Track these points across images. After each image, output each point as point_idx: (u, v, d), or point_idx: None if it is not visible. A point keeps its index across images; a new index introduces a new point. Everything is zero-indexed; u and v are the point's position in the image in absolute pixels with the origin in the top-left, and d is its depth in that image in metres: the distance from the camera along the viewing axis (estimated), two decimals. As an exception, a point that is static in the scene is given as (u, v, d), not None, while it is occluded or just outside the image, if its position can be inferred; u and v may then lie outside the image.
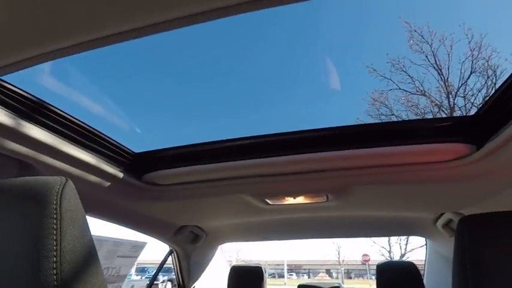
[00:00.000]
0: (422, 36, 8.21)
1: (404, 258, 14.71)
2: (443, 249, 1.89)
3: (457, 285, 0.64)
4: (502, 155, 0.79)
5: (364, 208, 1.34)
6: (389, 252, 17.24)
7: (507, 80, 0.71)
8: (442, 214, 1.44)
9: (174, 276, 2.09)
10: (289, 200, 1.19)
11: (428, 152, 0.84)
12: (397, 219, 1.63)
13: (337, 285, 1.73)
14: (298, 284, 2.33)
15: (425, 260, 2.21)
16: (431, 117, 7.73)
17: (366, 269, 22.23)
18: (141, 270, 14.09)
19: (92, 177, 0.93)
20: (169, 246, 1.91)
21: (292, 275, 24.30)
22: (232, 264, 2.02)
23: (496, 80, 7.39)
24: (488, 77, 7.56)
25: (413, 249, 16.26)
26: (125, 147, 1.02)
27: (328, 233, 2.05)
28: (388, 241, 17.35)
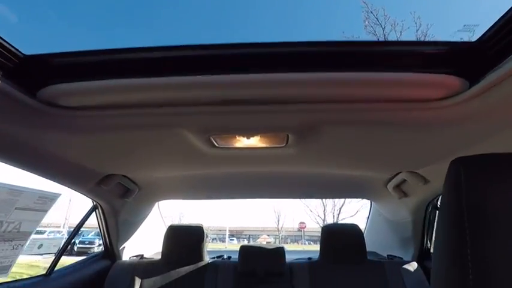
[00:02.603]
0: (377, 18, 8.42)
1: (335, 226, 16.15)
2: (386, 211, 1.93)
3: (448, 239, 0.51)
4: (495, 94, 0.68)
5: (322, 159, 1.20)
6: (324, 220, 18.78)
7: None
8: (396, 174, 1.40)
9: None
10: (241, 141, 0.98)
11: (416, 82, 0.68)
12: (350, 180, 1.56)
13: (281, 246, 1.71)
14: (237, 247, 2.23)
15: (366, 221, 2.29)
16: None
17: (301, 235, 24.16)
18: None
19: None
20: (92, 200, 1.60)
21: (233, 239, 25.22)
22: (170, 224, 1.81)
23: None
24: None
25: (344, 218, 18.02)
26: (6, 43, 0.68)
27: (279, 192, 1.94)
28: (324, 210, 18.88)
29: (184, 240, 1.71)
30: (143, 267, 1.65)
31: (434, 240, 0.56)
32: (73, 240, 12.53)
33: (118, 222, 1.69)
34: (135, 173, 1.43)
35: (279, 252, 1.68)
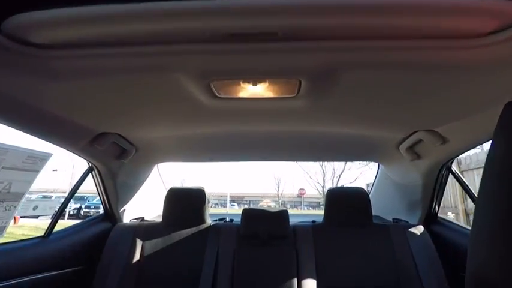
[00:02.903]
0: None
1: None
2: (395, 174, 1.87)
3: (500, 202, 0.41)
4: None
5: (334, 115, 1.09)
6: (323, 187, 19.15)
7: None
8: (412, 134, 1.30)
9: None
10: (246, 90, 0.86)
11: (461, 9, 0.54)
12: (361, 141, 1.47)
13: (284, 209, 1.69)
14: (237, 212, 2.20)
15: (367, 187, 2.24)
16: None
17: (300, 201, 24.88)
18: (80, 199, 13.75)
19: None
20: (88, 161, 1.52)
21: (234, 205, 25.97)
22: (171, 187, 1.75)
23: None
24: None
25: (343, 185, 18.34)
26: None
27: (284, 154, 1.85)
28: (323, 177, 19.18)
29: (185, 203, 1.66)
30: (144, 229, 1.61)
31: (478, 200, 0.46)
32: (80, 205, 13.08)
33: (116, 184, 1.62)
34: (131, 131, 1.33)
35: (283, 215, 1.64)
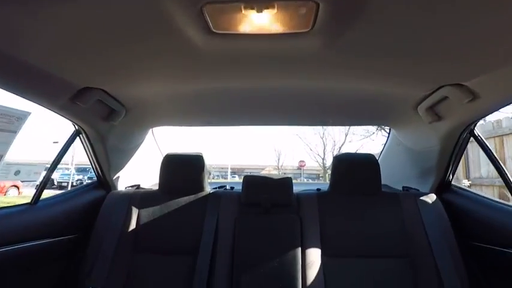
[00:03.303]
0: None
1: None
2: (409, 139, 1.73)
3: None
4: None
5: (353, 60, 0.92)
6: (323, 159, 19.19)
7: None
8: (436, 90, 1.15)
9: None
10: (249, 19, 0.69)
11: None
12: (375, 100, 1.32)
13: (288, 177, 1.61)
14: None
15: (381, 152, 2.13)
16: None
17: (300, 173, 25.10)
18: (82, 170, 13.85)
19: None
20: (73, 123, 1.39)
21: (234, 176, 26.20)
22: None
23: None
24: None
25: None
26: None
27: (290, 116, 1.69)
28: (324, 149, 19.16)
29: (183, 170, 1.55)
30: (140, 197, 1.52)
31: None
32: (82, 177, 13.18)
33: (106, 149, 1.50)
34: (116, 86, 1.18)
35: (286, 182, 1.53)
